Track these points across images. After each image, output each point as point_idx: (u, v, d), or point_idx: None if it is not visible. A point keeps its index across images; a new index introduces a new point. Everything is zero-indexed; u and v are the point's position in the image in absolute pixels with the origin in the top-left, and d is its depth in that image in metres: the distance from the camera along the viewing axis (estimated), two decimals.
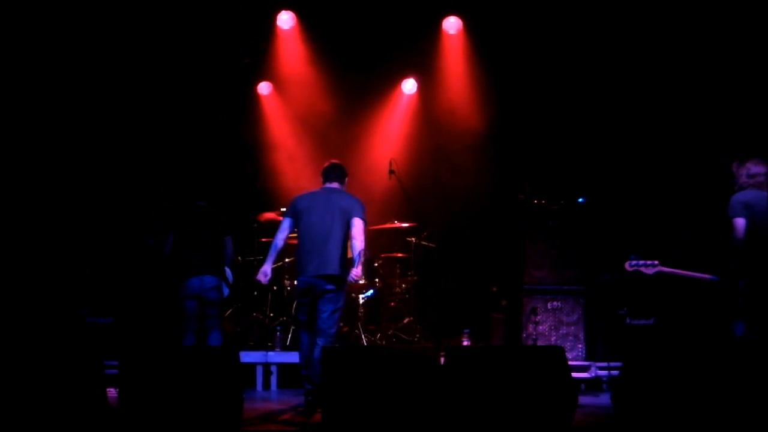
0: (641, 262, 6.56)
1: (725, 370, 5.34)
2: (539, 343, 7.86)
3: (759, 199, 6.23)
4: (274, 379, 7.74)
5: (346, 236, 6.51)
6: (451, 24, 9.74)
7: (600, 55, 9.03)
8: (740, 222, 6.17)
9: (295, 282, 7.57)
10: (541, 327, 7.98)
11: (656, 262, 6.64)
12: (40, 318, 7.47)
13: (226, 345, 7.20)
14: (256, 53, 9.71)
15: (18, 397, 4.84)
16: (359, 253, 6.29)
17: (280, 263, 8.72)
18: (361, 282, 8.47)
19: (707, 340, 7.31)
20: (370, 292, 8.61)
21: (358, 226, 6.42)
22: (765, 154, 6.45)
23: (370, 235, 9.35)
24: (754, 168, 6.37)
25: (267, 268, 6.56)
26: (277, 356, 7.79)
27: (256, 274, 6.57)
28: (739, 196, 6.22)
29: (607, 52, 8.96)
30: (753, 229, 6.16)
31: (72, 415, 4.86)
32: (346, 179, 6.84)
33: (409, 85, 10.19)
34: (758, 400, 5.17)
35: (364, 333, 8.27)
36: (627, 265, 6.65)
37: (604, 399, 7.23)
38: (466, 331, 8.38)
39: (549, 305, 7.95)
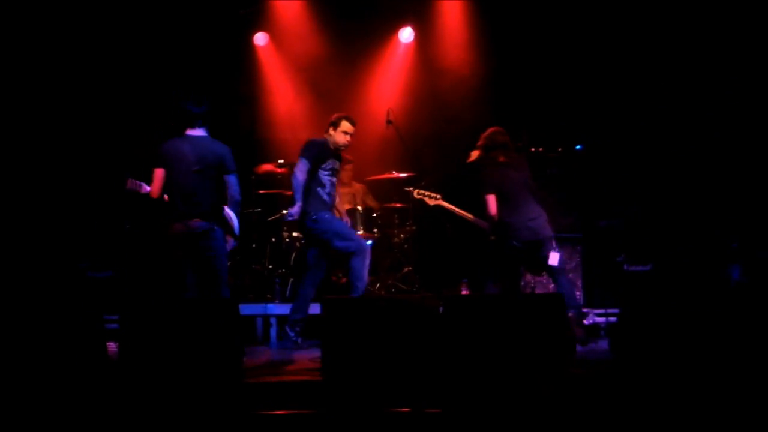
0: (426, 192, 7.55)
1: (722, 314, 5.36)
2: (537, 291, 7.88)
3: None
4: (273, 332, 7.78)
5: None
6: None
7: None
8: None
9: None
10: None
11: (439, 195, 7.47)
12: (40, 273, 7.48)
13: (226, 297, 7.19)
14: (252, 4, 9.60)
15: (18, 352, 4.87)
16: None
17: (278, 215, 8.73)
18: (360, 232, 8.49)
19: (704, 284, 7.35)
20: (369, 242, 8.60)
21: None
22: None
23: (369, 186, 9.39)
24: None
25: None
26: (276, 308, 7.82)
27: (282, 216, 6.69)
28: None
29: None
30: None
31: (73, 370, 4.90)
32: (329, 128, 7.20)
33: (406, 34, 10.08)
34: (754, 345, 5.20)
35: None
36: (414, 192, 7.59)
37: (602, 345, 7.27)
38: (465, 280, 8.40)
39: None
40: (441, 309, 5.43)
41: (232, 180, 6.26)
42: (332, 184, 7.18)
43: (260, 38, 10.01)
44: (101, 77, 8.70)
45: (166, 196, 6.22)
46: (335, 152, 7.22)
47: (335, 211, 7.35)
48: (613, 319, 7.50)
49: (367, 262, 6.99)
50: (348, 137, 7.17)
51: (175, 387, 4.92)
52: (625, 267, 7.56)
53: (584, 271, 8.10)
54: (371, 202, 9.22)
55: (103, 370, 5.01)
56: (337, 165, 7.25)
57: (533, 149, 8.42)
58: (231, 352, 5.12)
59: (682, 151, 8.51)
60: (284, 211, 6.81)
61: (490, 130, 7.07)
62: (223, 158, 6.22)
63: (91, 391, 4.83)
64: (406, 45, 10.16)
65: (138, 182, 6.19)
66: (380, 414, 4.87)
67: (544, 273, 7.19)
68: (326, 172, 7.12)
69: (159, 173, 6.18)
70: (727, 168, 8.28)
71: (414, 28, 10.05)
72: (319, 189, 7.06)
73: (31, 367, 4.86)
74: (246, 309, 7.45)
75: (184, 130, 6.26)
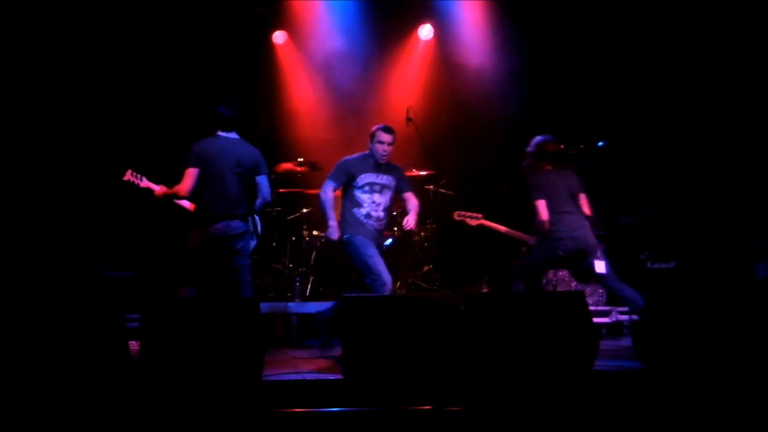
0: (467, 213, 7.28)
1: (746, 312, 5.30)
2: (559, 289, 7.82)
3: None
4: (294, 330, 7.76)
5: None
6: None
7: None
8: None
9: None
10: (561, 272, 7.94)
11: (480, 215, 7.23)
12: (60, 274, 7.50)
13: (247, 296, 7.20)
14: (270, 2, 9.60)
15: (39, 353, 4.88)
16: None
17: (298, 213, 8.73)
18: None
19: (729, 282, 7.27)
20: (389, 240, 8.58)
21: None
22: None
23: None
24: None
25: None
26: (296, 307, 7.81)
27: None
28: None
29: None
30: None
31: (95, 370, 4.90)
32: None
33: (426, 31, 10.06)
34: None
35: None
36: (455, 215, 7.35)
37: (625, 343, 7.21)
38: (486, 278, 8.36)
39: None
40: (462, 307, 5.40)
41: (264, 181, 6.44)
42: (374, 202, 6.80)
43: (279, 36, 10.00)
44: (115, 74, 8.72)
45: (191, 205, 6.28)
46: (378, 166, 6.82)
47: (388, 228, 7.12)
48: (636, 317, 7.43)
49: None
50: (385, 147, 6.74)
51: (196, 386, 4.92)
52: (648, 264, 7.49)
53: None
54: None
55: (124, 369, 5.00)
56: (380, 179, 6.83)
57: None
58: (252, 352, 5.10)
59: (706, 147, 8.43)
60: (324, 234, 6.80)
61: (540, 138, 6.91)
62: (257, 161, 6.39)
63: (113, 389, 4.83)
64: (426, 42, 10.13)
65: (139, 175, 6.22)
66: (402, 412, 4.84)
67: (592, 281, 7.09)
68: (362, 190, 6.78)
69: (193, 172, 6.16)
70: (751, 164, 8.19)
71: (433, 26, 10.01)
72: (354, 210, 6.79)
73: (53, 368, 4.87)
74: (267, 308, 7.43)
75: (216, 131, 6.32)
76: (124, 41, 8.64)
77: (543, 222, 6.65)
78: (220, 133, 6.31)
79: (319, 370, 5.75)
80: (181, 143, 6.84)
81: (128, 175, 6.30)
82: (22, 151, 7.99)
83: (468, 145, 9.58)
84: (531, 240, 6.99)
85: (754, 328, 5.28)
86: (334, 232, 6.74)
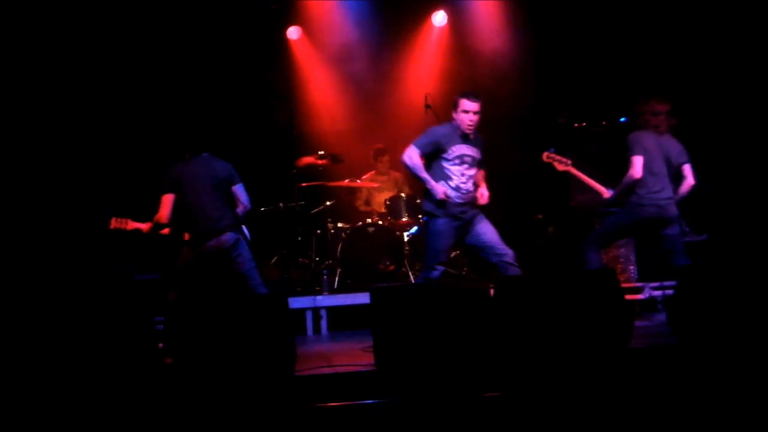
0: (557, 156, 6.92)
1: None
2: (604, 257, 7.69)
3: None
4: (324, 323, 7.75)
5: None
6: None
7: None
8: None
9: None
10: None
11: (569, 161, 6.92)
12: (88, 279, 7.54)
13: (274, 291, 7.19)
14: None
15: (72, 358, 4.89)
16: None
17: (321, 207, 8.72)
18: (405, 219, 8.43)
19: (761, 255, 7.15)
20: (414, 229, 8.55)
21: None
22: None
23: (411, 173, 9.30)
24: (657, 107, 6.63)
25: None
26: (325, 300, 7.80)
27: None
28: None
29: None
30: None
31: (126, 373, 4.91)
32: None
33: (440, 17, 10.02)
34: None
35: (411, 270, 8.24)
36: (544, 156, 6.95)
37: (660, 319, 7.13)
38: None
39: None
40: (492, 291, 5.35)
41: (241, 189, 6.54)
42: (463, 174, 6.47)
43: (293, 32, 10.00)
44: (134, 79, 8.73)
45: (186, 235, 6.34)
46: (466, 137, 6.48)
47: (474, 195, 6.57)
48: (669, 291, 7.33)
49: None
50: (471, 116, 6.39)
51: (229, 385, 4.90)
52: (684, 238, 7.37)
53: (637, 244, 7.93)
54: (407, 191, 9.17)
55: (157, 372, 5.01)
56: (470, 151, 6.50)
57: (576, 124, 8.26)
58: (282, 347, 5.08)
59: (731, 122, 8.29)
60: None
61: (652, 99, 6.79)
62: (230, 171, 6.51)
63: (145, 392, 4.84)
64: (440, 29, 10.09)
65: (123, 219, 6.25)
66: (438, 400, 4.80)
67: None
68: (452, 162, 6.45)
69: (169, 198, 6.31)
70: None
71: (447, 11, 9.95)
72: (442, 182, 6.46)
73: (86, 373, 4.88)
74: (295, 302, 7.42)
75: (189, 152, 6.43)
76: (127, 39, 8.65)
77: (635, 180, 6.53)
78: (193, 154, 6.44)
79: (352, 363, 5.72)
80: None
81: (114, 223, 6.31)
82: (38, 154, 8.04)
83: (488, 128, 9.48)
84: (607, 194, 6.84)
85: None
86: (438, 190, 6.38)
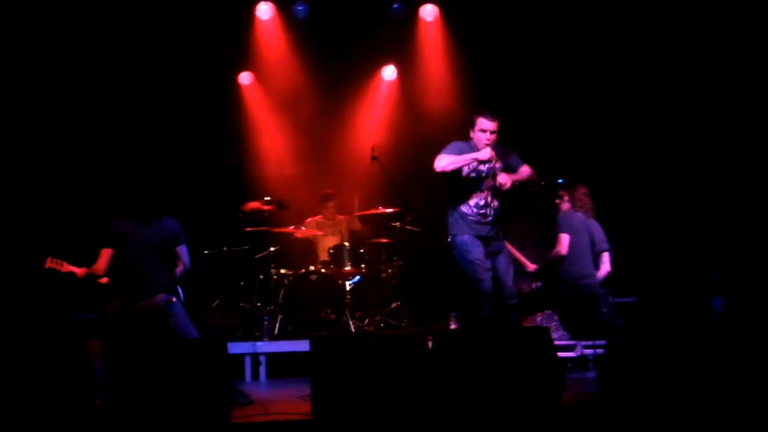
0: None
1: (707, 345, 5.40)
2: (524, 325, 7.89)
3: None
4: (262, 369, 7.72)
5: None
6: (428, 11, 9.79)
7: (575, 37, 9.08)
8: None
9: None
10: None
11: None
12: (27, 318, 7.44)
13: (213, 336, 7.16)
14: (237, 44, 9.70)
15: (9, 395, 4.85)
16: None
17: (265, 252, 8.75)
18: (348, 268, 8.52)
19: (688, 315, 7.41)
20: (357, 278, 8.65)
21: None
22: None
23: (357, 222, 9.43)
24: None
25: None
26: (265, 346, 7.79)
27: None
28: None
29: (581, 35, 9.02)
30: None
31: (62, 411, 4.88)
32: None
33: (389, 72, 10.23)
34: (740, 375, 5.24)
35: (351, 319, 8.31)
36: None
37: (591, 376, 7.29)
38: (453, 314, 8.41)
39: (533, 286, 7.95)
40: (431, 344, 5.45)
41: (183, 250, 6.43)
42: (482, 192, 6.54)
43: (245, 77, 10.11)
44: (84, 122, 8.73)
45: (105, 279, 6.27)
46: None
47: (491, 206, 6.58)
48: (600, 351, 7.52)
49: (486, 304, 6.46)
50: (488, 135, 6.41)
51: (164, 429, 4.90)
52: (610, 299, 7.61)
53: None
54: (358, 226, 9.28)
55: (91, 413, 4.99)
56: (488, 170, 6.56)
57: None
58: (220, 392, 5.10)
59: (662, 185, 8.61)
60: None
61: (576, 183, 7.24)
62: (176, 231, 6.41)
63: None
64: (389, 82, 10.29)
65: (58, 261, 6.16)
66: None
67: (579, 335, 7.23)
68: (469, 181, 6.52)
69: (107, 252, 6.22)
70: (707, 200, 8.39)
71: (396, 66, 10.17)
72: (461, 204, 6.50)
73: (22, 411, 4.84)
74: (234, 348, 7.40)
75: (138, 211, 6.30)
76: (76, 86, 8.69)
77: (561, 256, 6.82)
78: (141, 212, 6.33)
79: (289, 411, 5.75)
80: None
81: (48, 263, 6.16)
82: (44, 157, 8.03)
83: (432, 181, 9.67)
84: (530, 267, 7.13)
85: (714, 361, 5.38)
86: (486, 150, 6.31)
